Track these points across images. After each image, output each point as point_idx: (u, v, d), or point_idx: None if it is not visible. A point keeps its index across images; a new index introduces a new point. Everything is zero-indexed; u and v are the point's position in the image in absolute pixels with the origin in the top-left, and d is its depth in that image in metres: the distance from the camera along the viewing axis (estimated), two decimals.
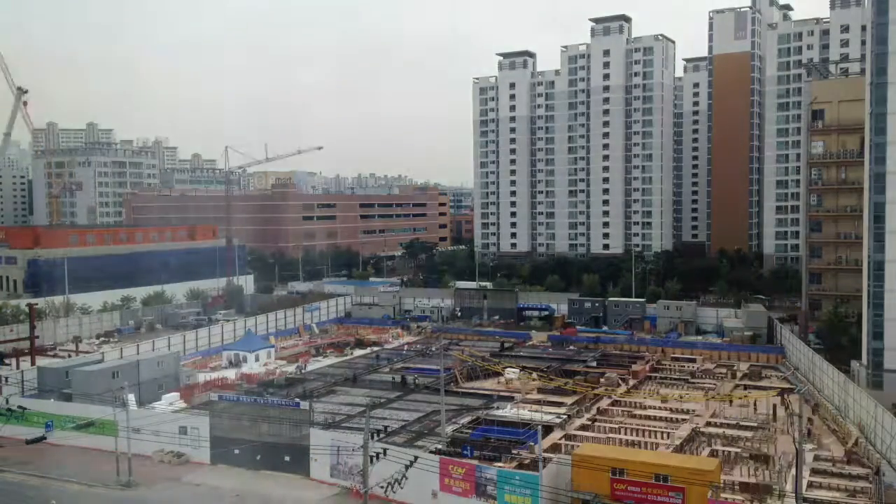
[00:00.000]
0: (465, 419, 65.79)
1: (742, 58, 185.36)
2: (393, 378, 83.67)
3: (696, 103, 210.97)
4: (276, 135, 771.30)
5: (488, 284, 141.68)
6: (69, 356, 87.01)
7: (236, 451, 57.50)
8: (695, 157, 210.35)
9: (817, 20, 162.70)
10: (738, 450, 56.52)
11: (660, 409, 69.05)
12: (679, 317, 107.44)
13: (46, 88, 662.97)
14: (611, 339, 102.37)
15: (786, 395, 70.74)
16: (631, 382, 79.26)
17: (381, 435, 59.97)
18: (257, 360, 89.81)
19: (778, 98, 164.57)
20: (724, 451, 56.30)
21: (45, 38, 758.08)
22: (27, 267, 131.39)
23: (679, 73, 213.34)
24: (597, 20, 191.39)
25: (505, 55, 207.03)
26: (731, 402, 70.44)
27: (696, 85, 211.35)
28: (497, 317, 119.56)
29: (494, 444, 57.54)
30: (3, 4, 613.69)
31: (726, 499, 46.83)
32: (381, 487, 49.50)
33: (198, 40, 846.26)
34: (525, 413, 65.43)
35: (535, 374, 79.22)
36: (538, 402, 70.15)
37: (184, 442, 59.18)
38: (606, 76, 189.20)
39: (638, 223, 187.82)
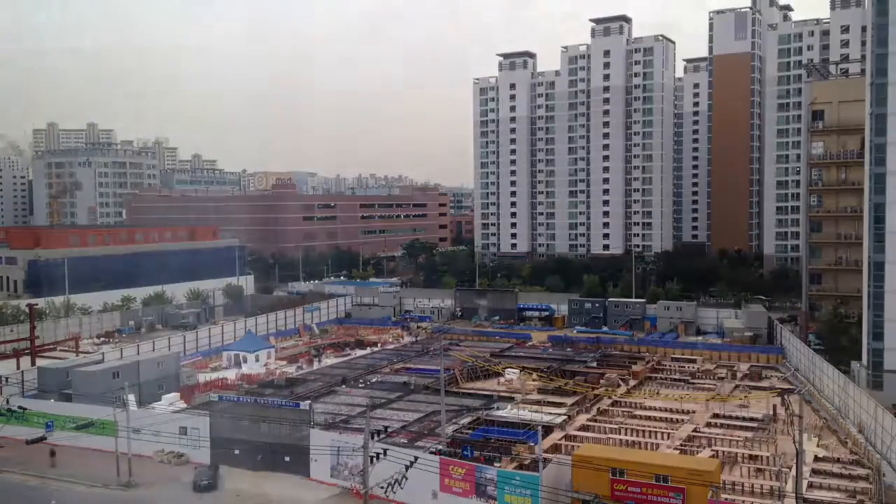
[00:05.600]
0: (465, 419, 65.80)
1: (742, 58, 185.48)
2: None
3: (696, 104, 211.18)
4: (277, 134, 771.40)
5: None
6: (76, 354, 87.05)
7: (236, 452, 57.50)
8: (695, 157, 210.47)
9: (817, 20, 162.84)
10: (740, 450, 56.53)
11: (660, 409, 69.03)
12: (679, 317, 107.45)
13: (46, 88, 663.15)
14: (611, 339, 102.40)
15: (786, 396, 70.77)
16: (631, 383, 79.24)
17: (382, 435, 59.93)
18: (257, 360, 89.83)
19: (778, 98, 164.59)
20: (723, 452, 56.30)
21: (46, 37, 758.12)
22: (27, 267, 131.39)
23: (679, 73, 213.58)
24: (597, 20, 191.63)
25: (505, 55, 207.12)
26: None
27: (697, 85, 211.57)
28: (497, 317, 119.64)
29: (494, 445, 57.53)
30: (3, 3, 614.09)
31: (727, 499, 46.80)
32: (382, 488, 49.51)
33: (197, 37, 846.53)
34: (525, 413, 65.41)
35: (535, 375, 79.20)
36: (538, 402, 70.13)
37: (184, 442, 59.19)
38: (606, 76, 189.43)
39: (638, 223, 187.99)
